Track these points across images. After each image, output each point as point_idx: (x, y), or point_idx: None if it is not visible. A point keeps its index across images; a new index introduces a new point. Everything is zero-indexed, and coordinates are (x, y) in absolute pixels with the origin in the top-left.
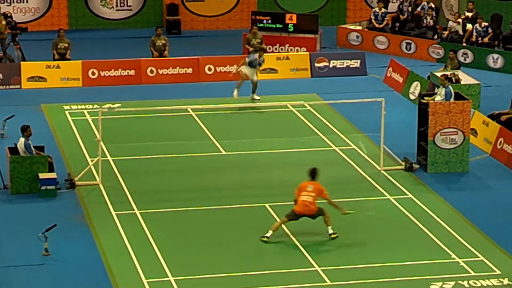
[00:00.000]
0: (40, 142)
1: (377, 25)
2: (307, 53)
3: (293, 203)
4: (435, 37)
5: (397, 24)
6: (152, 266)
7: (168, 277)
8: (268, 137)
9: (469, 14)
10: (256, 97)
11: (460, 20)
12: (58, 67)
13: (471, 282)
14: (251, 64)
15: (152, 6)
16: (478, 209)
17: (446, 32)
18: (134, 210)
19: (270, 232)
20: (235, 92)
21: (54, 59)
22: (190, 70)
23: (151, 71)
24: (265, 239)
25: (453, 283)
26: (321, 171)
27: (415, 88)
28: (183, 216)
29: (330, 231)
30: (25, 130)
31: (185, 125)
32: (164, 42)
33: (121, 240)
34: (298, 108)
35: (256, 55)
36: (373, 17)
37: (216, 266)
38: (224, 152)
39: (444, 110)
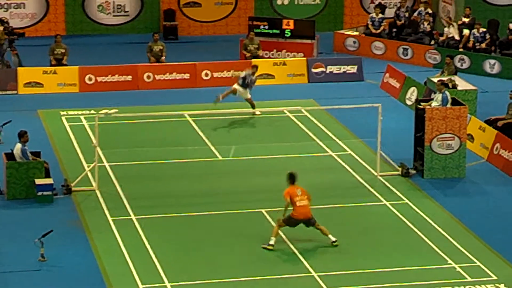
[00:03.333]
0: (37, 148)
1: (374, 31)
2: (304, 58)
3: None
4: (432, 42)
5: (394, 30)
6: (148, 272)
7: (164, 282)
8: (264, 142)
9: (466, 20)
10: (257, 112)
11: (454, 24)
12: (55, 72)
13: (467, 287)
14: (244, 80)
15: (149, 12)
16: (474, 215)
17: (442, 38)
18: (130, 215)
19: (273, 239)
20: (220, 97)
21: (51, 65)
22: (187, 76)
23: (148, 77)
24: (270, 247)
25: None
26: (318, 177)
27: (412, 94)
28: (180, 222)
29: (333, 239)
30: (22, 136)
31: (182, 131)
32: (161, 47)
33: (117, 245)
34: (295, 114)
35: (250, 71)
36: (370, 23)
37: (212, 272)
38: (220, 158)
39: (440, 115)
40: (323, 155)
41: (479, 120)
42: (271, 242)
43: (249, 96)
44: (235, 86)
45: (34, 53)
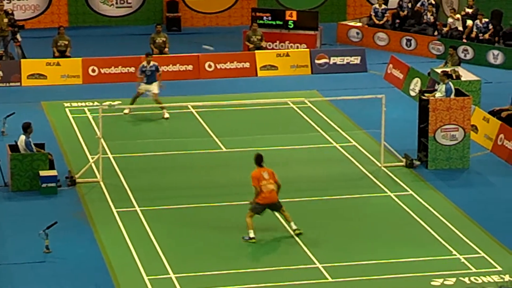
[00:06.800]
0: (41, 140)
1: (377, 22)
2: (307, 49)
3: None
4: (435, 33)
5: (397, 21)
6: (153, 263)
7: (169, 274)
8: (268, 134)
9: (469, 10)
10: (166, 115)
11: (458, 16)
12: (58, 64)
13: (472, 278)
14: (142, 72)
15: (152, 3)
16: (478, 206)
17: (446, 29)
18: (134, 207)
19: (251, 231)
20: (127, 110)
21: (54, 57)
22: (190, 67)
23: None
24: (253, 240)
25: (454, 279)
26: (322, 168)
27: (416, 85)
28: (184, 213)
29: (294, 227)
30: (27, 128)
31: (186, 122)
32: (164, 39)
33: (122, 237)
34: (299, 105)
35: (144, 62)
36: (373, 14)
37: (216, 263)
38: (224, 149)
39: (444, 106)
40: (327, 146)
41: (483, 111)
42: (251, 235)
43: (156, 91)
44: (140, 87)
45: (37, 45)
